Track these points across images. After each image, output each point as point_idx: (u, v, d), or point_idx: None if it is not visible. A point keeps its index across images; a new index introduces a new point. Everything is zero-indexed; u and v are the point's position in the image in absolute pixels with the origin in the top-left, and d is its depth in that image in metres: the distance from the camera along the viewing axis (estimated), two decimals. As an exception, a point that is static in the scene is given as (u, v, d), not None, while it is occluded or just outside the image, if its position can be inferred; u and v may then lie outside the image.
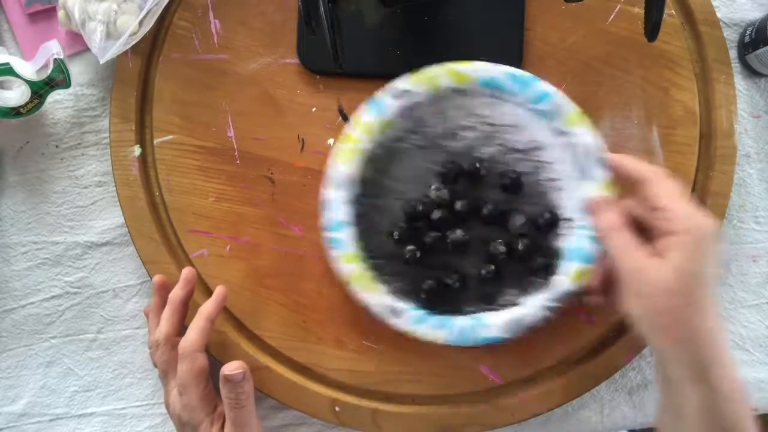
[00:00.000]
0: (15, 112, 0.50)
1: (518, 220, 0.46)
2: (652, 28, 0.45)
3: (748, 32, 0.53)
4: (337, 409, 0.49)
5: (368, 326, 0.48)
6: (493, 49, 0.50)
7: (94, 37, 0.48)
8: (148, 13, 0.48)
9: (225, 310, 0.50)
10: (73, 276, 0.53)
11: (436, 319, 0.45)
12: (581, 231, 0.44)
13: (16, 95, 0.50)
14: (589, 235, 0.44)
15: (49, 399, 0.53)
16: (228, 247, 0.50)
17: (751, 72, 0.54)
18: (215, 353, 0.49)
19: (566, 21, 0.51)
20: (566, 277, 0.44)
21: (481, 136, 0.47)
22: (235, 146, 0.51)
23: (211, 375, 0.44)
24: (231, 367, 0.42)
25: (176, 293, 0.47)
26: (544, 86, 0.45)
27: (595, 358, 0.50)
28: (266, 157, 0.51)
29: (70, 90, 0.52)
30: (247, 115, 0.51)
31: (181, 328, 0.46)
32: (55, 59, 0.48)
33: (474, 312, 0.46)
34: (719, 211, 0.51)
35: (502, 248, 0.46)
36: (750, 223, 0.53)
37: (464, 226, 0.47)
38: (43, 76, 0.49)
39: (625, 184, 0.42)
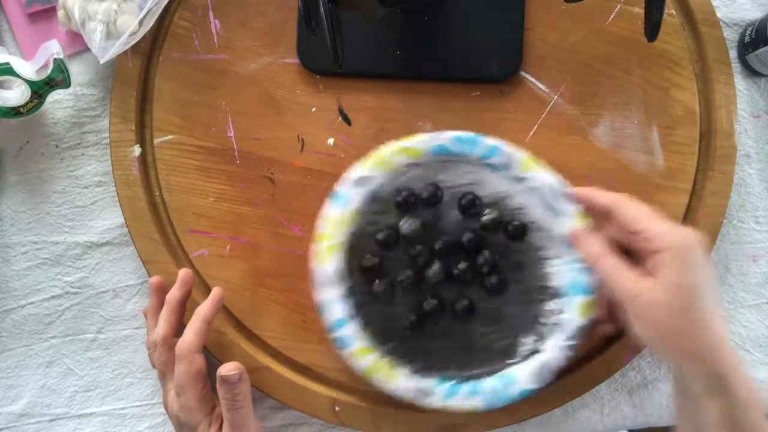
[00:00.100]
0: (15, 111, 0.50)
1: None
2: (652, 28, 0.45)
3: (748, 32, 0.53)
4: (337, 409, 0.49)
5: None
6: (493, 49, 0.50)
7: (94, 36, 0.48)
8: (148, 12, 0.48)
9: (225, 310, 0.50)
10: (73, 276, 0.53)
11: (465, 388, 0.45)
12: (572, 265, 0.44)
13: (16, 95, 0.50)
14: (581, 268, 0.44)
15: (49, 399, 0.53)
16: (228, 247, 0.50)
17: (751, 72, 0.54)
18: (215, 353, 0.49)
19: (566, 21, 0.51)
20: (574, 313, 0.44)
21: (449, 200, 0.47)
22: (235, 146, 0.51)
23: (209, 375, 0.44)
24: (227, 368, 0.42)
25: (173, 294, 0.47)
26: (490, 141, 0.45)
27: (595, 358, 0.50)
28: (266, 157, 0.51)
29: (70, 90, 0.52)
30: (247, 115, 0.51)
31: (178, 329, 0.46)
32: (55, 59, 0.48)
33: (498, 369, 0.45)
34: (719, 211, 0.51)
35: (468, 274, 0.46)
36: (750, 223, 0.53)
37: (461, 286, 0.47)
38: (43, 75, 0.49)
39: (596, 215, 0.43)
